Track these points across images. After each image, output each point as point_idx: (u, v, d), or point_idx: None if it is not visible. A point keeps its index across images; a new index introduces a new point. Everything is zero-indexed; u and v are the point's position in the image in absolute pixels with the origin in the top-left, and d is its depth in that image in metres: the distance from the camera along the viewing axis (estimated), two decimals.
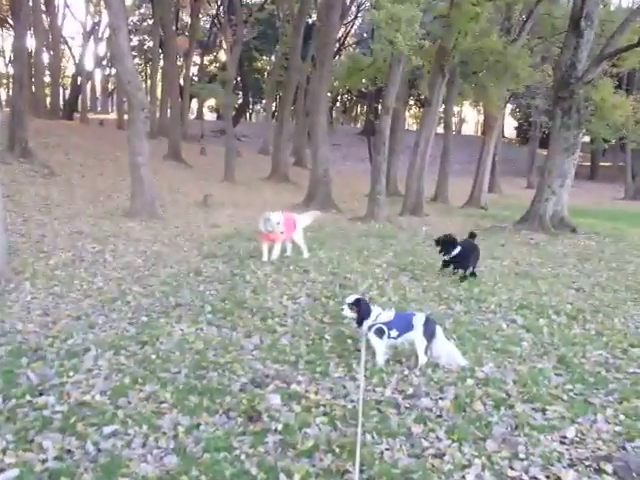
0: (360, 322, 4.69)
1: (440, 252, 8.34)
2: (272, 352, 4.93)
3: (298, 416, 3.74)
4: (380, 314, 4.74)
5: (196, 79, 43.53)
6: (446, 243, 8.24)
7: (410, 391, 4.21)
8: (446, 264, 8.35)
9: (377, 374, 4.49)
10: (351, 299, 4.75)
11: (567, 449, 3.51)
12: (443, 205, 22.49)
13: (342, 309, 4.72)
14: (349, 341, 5.21)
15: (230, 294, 6.80)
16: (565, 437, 3.65)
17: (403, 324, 4.71)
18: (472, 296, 7.24)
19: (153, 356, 4.72)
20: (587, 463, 3.34)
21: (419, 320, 4.71)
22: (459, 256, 8.15)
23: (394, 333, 4.70)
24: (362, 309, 4.69)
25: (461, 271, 8.21)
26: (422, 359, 4.65)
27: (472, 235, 8.82)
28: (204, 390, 4.10)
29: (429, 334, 4.66)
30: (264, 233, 8.58)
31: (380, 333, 4.67)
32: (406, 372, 4.56)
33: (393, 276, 8.25)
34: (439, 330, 4.76)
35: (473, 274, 8.16)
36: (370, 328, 4.68)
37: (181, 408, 3.81)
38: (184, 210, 14.92)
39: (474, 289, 7.60)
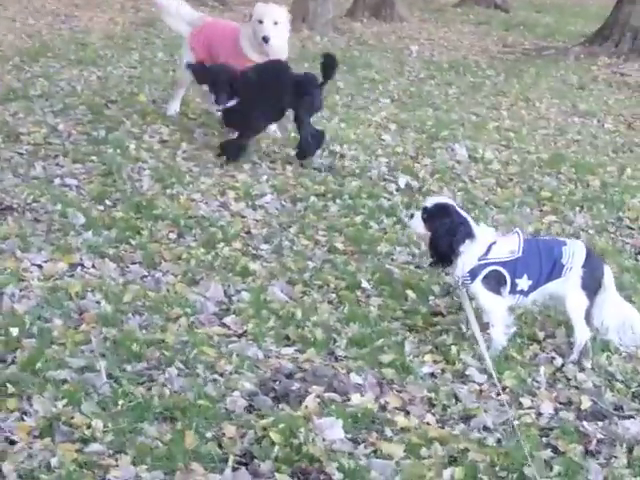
0: (446, 258, 4.62)
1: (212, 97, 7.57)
2: (264, 317, 4.86)
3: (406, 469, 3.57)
4: (494, 242, 4.62)
5: None
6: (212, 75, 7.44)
7: (587, 403, 4.20)
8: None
9: (504, 367, 4.46)
10: (431, 202, 4.69)
11: None
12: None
13: (410, 215, 4.69)
14: (411, 293, 5.23)
15: (110, 184, 6.73)
16: None
17: (541, 263, 4.64)
18: None
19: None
20: None
21: (574, 255, 4.63)
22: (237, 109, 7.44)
23: (524, 283, 4.62)
24: (456, 228, 4.55)
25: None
26: (582, 333, 4.66)
27: (326, 67, 7.48)
28: (172, 409, 3.84)
29: (593, 284, 4.65)
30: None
31: (496, 283, 4.60)
32: (557, 360, 4.61)
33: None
34: (607, 274, 4.75)
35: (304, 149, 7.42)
36: (474, 274, 4.57)
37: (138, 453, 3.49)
38: None
39: None
